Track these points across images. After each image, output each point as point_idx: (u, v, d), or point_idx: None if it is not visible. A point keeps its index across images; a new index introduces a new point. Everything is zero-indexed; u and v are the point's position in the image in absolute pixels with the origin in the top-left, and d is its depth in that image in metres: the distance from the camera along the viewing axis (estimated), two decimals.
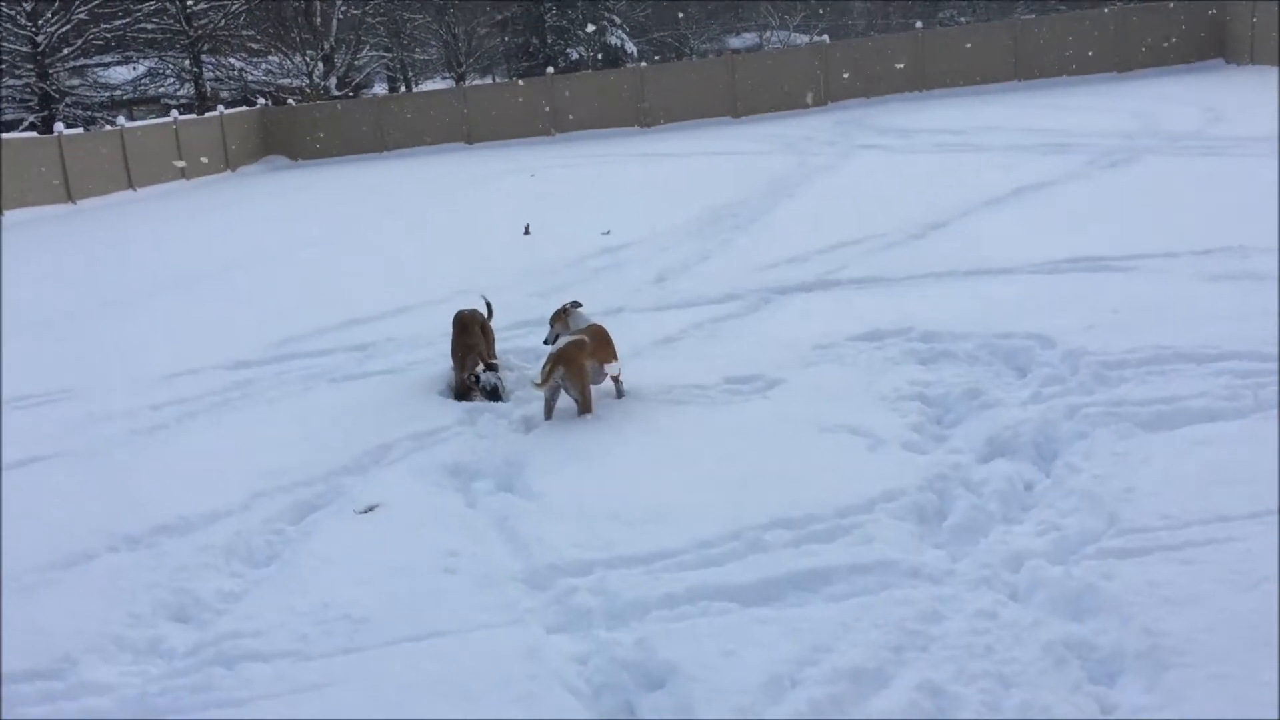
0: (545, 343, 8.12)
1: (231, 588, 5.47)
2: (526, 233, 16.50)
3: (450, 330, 9.02)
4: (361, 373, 9.48)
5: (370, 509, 6.23)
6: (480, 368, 8.35)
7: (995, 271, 10.47)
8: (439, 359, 9.51)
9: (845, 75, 36.46)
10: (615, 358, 7.74)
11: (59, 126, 33.40)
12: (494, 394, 8.26)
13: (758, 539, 5.15)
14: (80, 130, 36.22)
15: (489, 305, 9.50)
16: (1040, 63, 35.35)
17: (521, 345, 9.78)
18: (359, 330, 11.10)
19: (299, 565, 5.61)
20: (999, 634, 4.16)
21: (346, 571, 5.43)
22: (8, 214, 29.71)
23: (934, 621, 4.28)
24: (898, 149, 22.63)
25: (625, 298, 11.30)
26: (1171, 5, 34.09)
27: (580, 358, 7.41)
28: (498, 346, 9.33)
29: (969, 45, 36.11)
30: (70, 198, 32.50)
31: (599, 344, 7.64)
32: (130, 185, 35.09)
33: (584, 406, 7.44)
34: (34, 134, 35.75)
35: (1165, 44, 34.20)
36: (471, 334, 8.89)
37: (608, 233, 15.48)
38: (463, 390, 8.52)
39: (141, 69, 51.10)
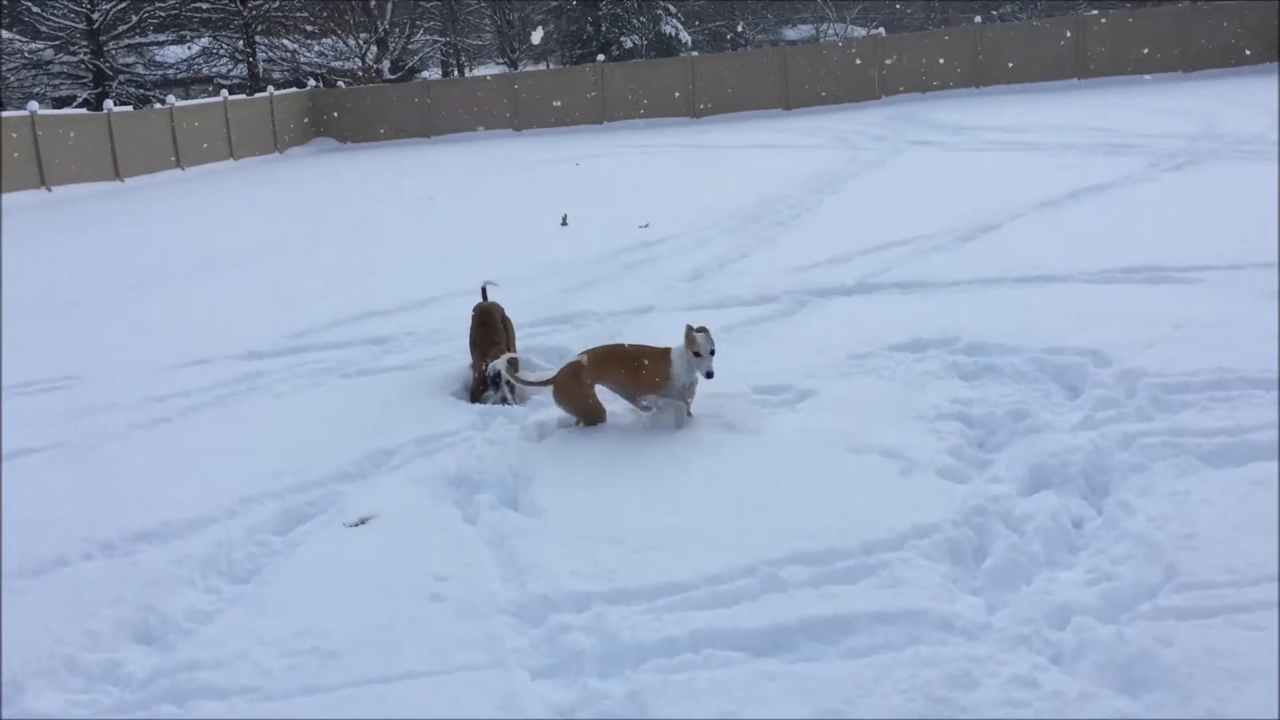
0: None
1: (203, 606, 5.05)
2: (564, 224, 16.08)
3: (471, 332, 8.60)
4: (376, 368, 9.07)
5: (362, 521, 5.80)
6: (502, 361, 7.88)
7: (1048, 279, 9.88)
8: (457, 355, 9.09)
9: (900, 69, 35.71)
10: (644, 379, 7.00)
11: (108, 104, 33.40)
12: (503, 399, 7.82)
13: (773, 576, 4.65)
14: (130, 108, 36.20)
15: (484, 293, 9.03)
16: (1100, 61, 34.43)
17: (546, 343, 9.33)
18: (378, 323, 10.71)
19: (277, 583, 5.19)
20: (1039, 707, 3.64)
21: (326, 592, 5.00)
22: (56, 190, 29.72)
23: (965, 688, 3.76)
24: (950, 146, 21.97)
25: (657, 296, 10.82)
26: (1236, 4, 33.04)
27: (569, 384, 7.05)
28: (520, 344, 8.89)
29: (1027, 41, 35.24)
30: (118, 175, 32.51)
31: (603, 364, 7.10)
32: (178, 164, 35.08)
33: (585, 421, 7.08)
34: (84, 110, 35.73)
35: (1229, 44, 33.17)
36: (493, 328, 8.45)
37: (646, 226, 15.02)
38: (479, 387, 8.07)
39: (196, 48, 51.23)
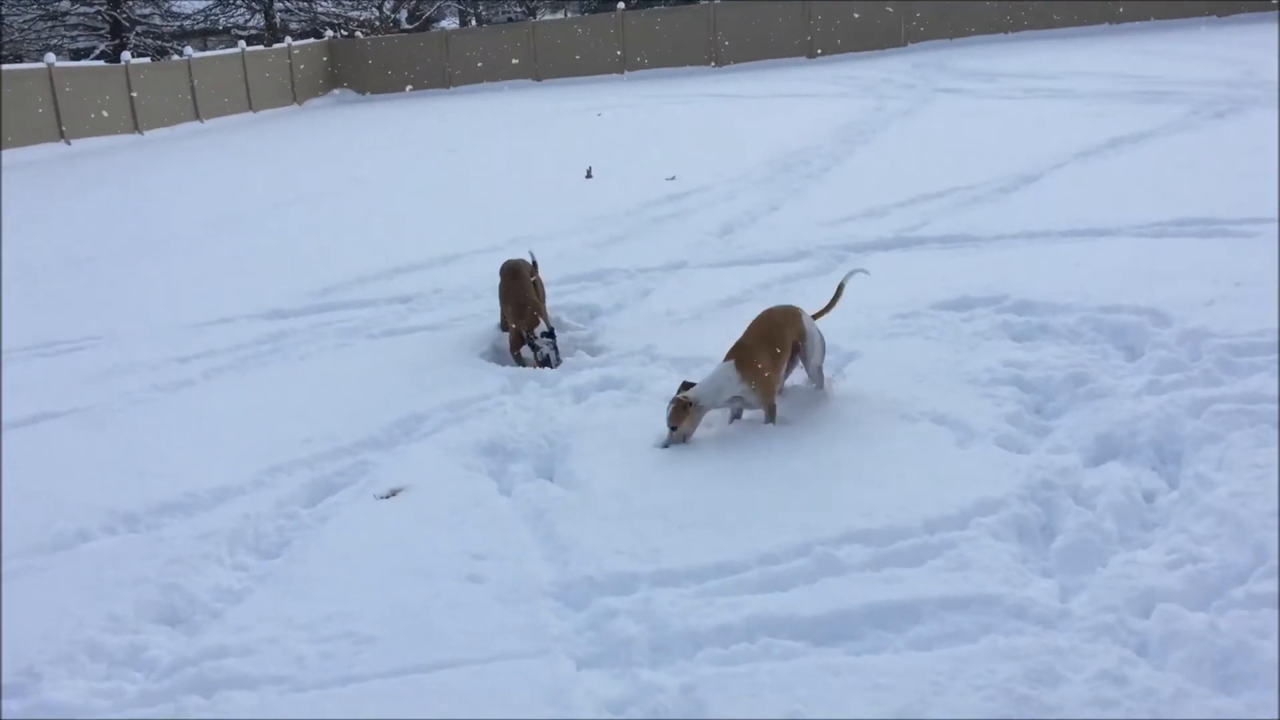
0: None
1: (231, 584, 4.83)
2: (589, 176, 15.75)
3: (498, 281, 8.32)
4: (403, 328, 8.81)
5: (393, 493, 5.56)
6: (541, 329, 7.61)
7: (1095, 233, 9.52)
8: (485, 315, 8.83)
9: (928, 15, 34.98)
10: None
11: (126, 56, 33.05)
12: (545, 361, 7.56)
13: (830, 556, 4.38)
14: (147, 60, 35.86)
15: (534, 260, 8.75)
16: (1129, 4, 33.59)
17: (575, 302, 9.04)
18: (404, 280, 10.44)
19: (308, 560, 4.95)
20: (1131, 707, 3.37)
21: (358, 571, 4.77)
22: (75, 143, 29.49)
23: (1048, 685, 3.49)
24: (981, 94, 21.44)
25: (687, 251, 10.51)
26: None
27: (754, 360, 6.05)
28: (549, 303, 8.61)
29: None
30: (137, 127, 32.24)
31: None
32: (197, 117, 34.78)
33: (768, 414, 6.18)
34: (102, 63, 35.41)
35: None
36: (524, 283, 8.16)
37: (673, 178, 14.68)
38: (517, 339, 7.80)
39: None
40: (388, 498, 5.52)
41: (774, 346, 6.07)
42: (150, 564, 4.94)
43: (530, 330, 7.64)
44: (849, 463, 5.32)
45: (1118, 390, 5.93)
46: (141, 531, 5.38)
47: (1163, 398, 5.68)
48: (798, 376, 6.46)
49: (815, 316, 6.47)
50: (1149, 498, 4.84)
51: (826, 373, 6.46)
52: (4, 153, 26.92)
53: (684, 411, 5.83)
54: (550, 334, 7.63)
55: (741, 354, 6.04)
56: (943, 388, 6.18)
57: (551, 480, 5.65)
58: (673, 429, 5.83)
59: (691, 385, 5.98)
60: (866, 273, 7.14)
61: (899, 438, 5.57)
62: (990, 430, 5.54)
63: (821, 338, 6.35)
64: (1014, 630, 3.82)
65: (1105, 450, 5.30)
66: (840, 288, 6.75)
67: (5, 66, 29.29)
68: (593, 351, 7.74)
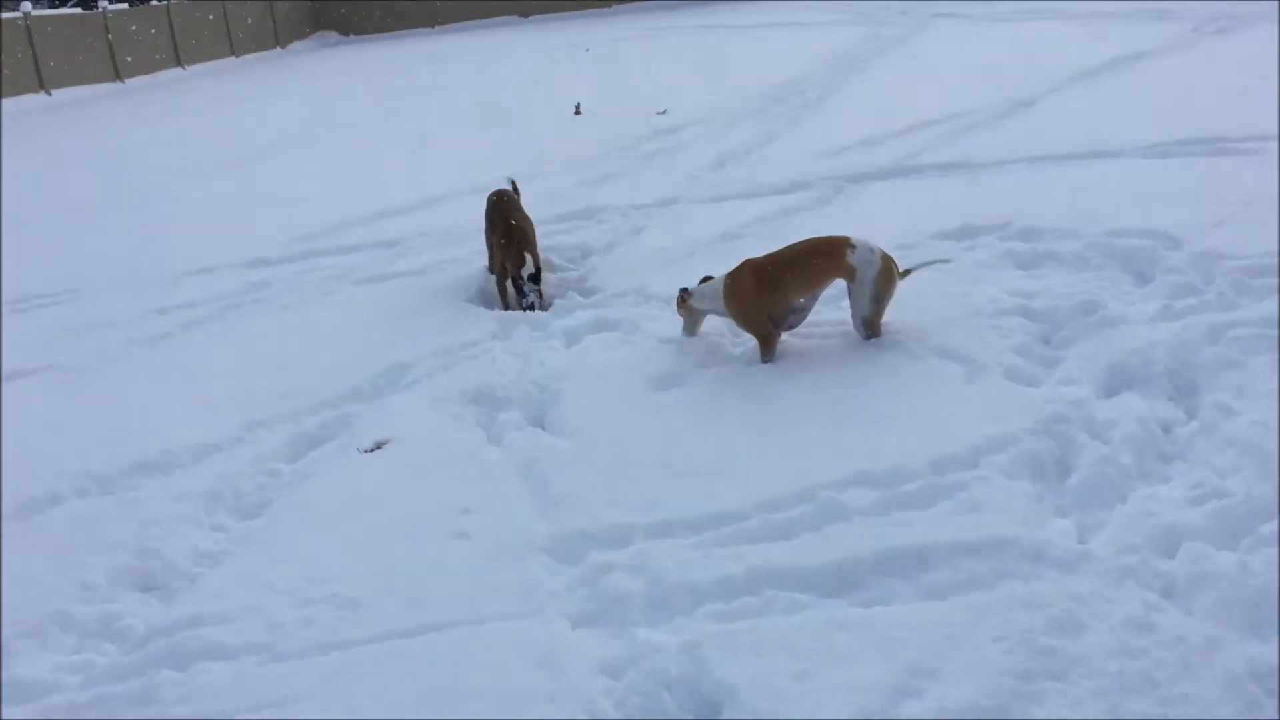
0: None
1: (209, 547, 4.62)
2: (577, 112, 15.40)
3: (487, 217, 8.06)
4: (388, 273, 8.55)
5: (378, 446, 5.34)
6: (527, 269, 7.37)
7: (1098, 155, 9.22)
8: (472, 258, 8.57)
9: None
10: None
11: (104, 3, 32.42)
12: (531, 305, 7.32)
13: (834, 501, 4.17)
14: (125, 6, 35.18)
15: (515, 187, 8.48)
16: None
17: (566, 241, 8.77)
18: (389, 224, 10.15)
19: (289, 519, 4.75)
20: (1160, 655, 3.16)
21: (341, 530, 4.56)
22: (55, 93, 29.01)
23: (1071, 634, 3.28)
24: (976, 17, 21.01)
25: (681, 186, 10.22)
26: None
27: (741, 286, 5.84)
28: (540, 243, 8.34)
29: None
30: (118, 76, 31.72)
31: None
32: (179, 63, 34.23)
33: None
34: (79, 10, 34.71)
35: None
36: (512, 213, 7.89)
37: (663, 112, 14.33)
38: (503, 273, 7.58)
39: None
40: (372, 451, 5.30)
41: (790, 276, 5.69)
42: (125, 528, 4.73)
43: (517, 270, 7.40)
44: (852, 402, 5.08)
45: (1129, 317, 5.68)
46: (116, 493, 5.16)
47: (1177, 324, 5.45)
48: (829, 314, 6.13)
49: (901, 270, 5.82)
50: (1167, 429, 4.61)
51: (890, 323, 5.85)
52: None
53: (682, 302, 5.94)
54: (536, 276, 7.39)
55: (738, 276, 5.79)
56: (947, 320, 5.92)
57: (543, 429, 5.42)
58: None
59: (681, 293, 6.00)
60: (949, 261, 6.39)
61: (903, 374, 5.32)
62: (997, 363, 5.31)
63: (883, 289, 5.67)
64: (1032, 575, 3.60)
65: (1118, 381, 5.06)
66: (919, 266, 6.02)
67: None
68: (585, 292, 7.49)
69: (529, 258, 7.45)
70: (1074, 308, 5.89)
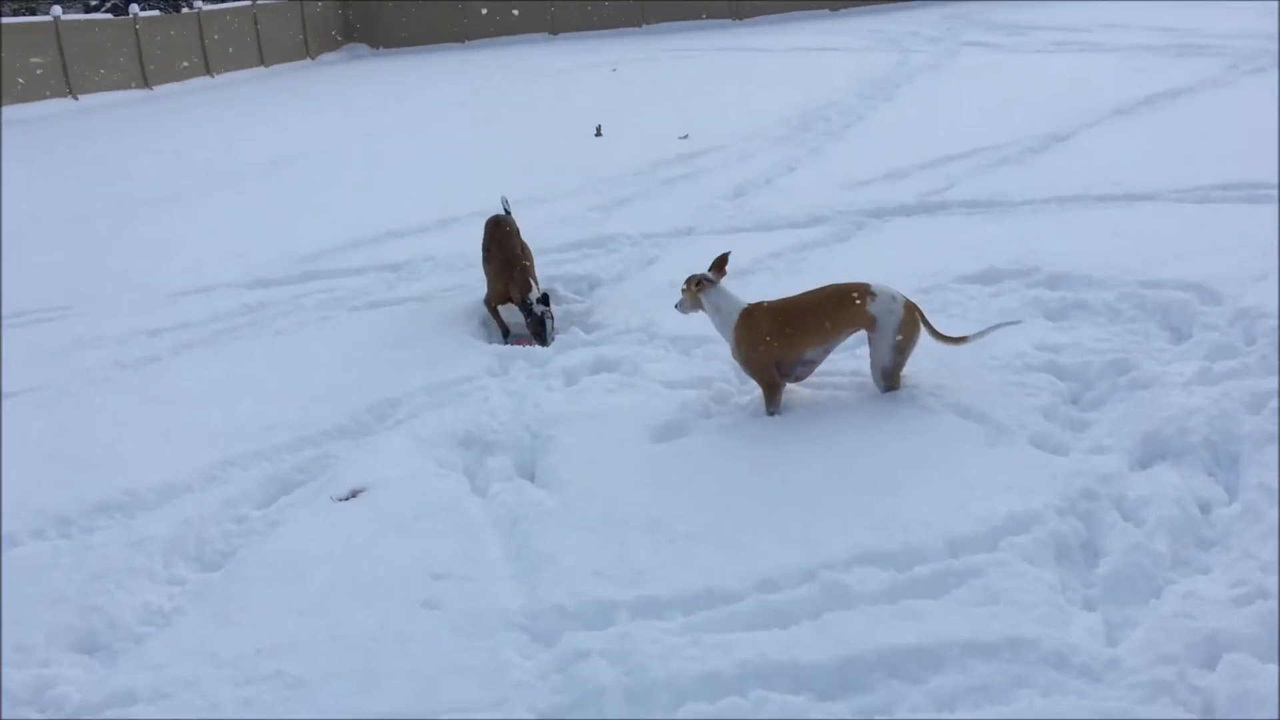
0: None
1: (161, 603, 4.28)
2: (598, 134, 15.09)
3: (484, 245, 7.76)
4: (389, 299, 8.24)
5: (353, 494, 5.00)
6: (536, 294, 7.07)
7: (1133, 198, 8.84)
8: (477, 285, 8.23)
9: None
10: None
11: (134, 9, 32.37)
12: (539, 331, 7.01)
13: (838, 584, 3.79)
14: (157, 13, 35.15)
15: (506, 207, 8.15)
16: None
17: (574, 271, 8.44)
18: (396, 245, 9.86)
19: (250, 574, 4.40)
20: None
21: (302, 590, 4.21)
22: (83, 98, 28.93)
23: None
24: (1010, 48, 20.58)
25: (697, 215, 9.88)
26: None
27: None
28: (542, 273, 8.02)
29: None
30: (146, 83, 31.63)
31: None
32: (208, 71, 34.13)
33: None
34: (110, 16, 34.70)
35: None
36: (515, 240, 7.60)
37: (685, 137, 14.00)
38: (499, 299, 7.32)
39: None
40: (347, 499, 4.96)
41: (805, 326, 5.29)
42: (73, 578, 4.39)
43: (524, 295, 7.10)
44: (864, 465, 4.70)
45: (1164, 379, 5.30)
46: (73, 536, 4.84)
47: (1216, 389, 5.06)
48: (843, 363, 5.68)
49: (938, 333, 5.41)
50: (1205, 509, 4.22)
51: (908, 376, 5.45)
52: (8, 109, 26.40)
53: (692, 290, 5.54)
54: (545, 298, 7.09)
55: (754, 316, 5.39)
56: (969, 374, 5.54)
57: (531, 480, 5.07)
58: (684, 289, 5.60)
59: (703, 280, 5.49)
60: (1019, 323, 5.86)
61: (920, 434, 4.94)
62: (1022, 426, 4.93)
63: (905, 339, 5.28)
64: (1053, 686, 3.21)
65: (1153, 451, 4.68)
66: (986, 331, 5.51)
67: (10, 20, 28.69)
68: (588, 328, 7.15)
69: (534, 284, 7.16)
70: (1105, 366, 5.50)
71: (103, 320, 8.29)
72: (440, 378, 6.35)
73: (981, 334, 5.45)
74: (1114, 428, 4.91)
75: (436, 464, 5.23)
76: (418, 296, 8.22)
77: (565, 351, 6.66)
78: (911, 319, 5.29)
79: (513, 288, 7.25)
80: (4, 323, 8.49)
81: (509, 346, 6.98)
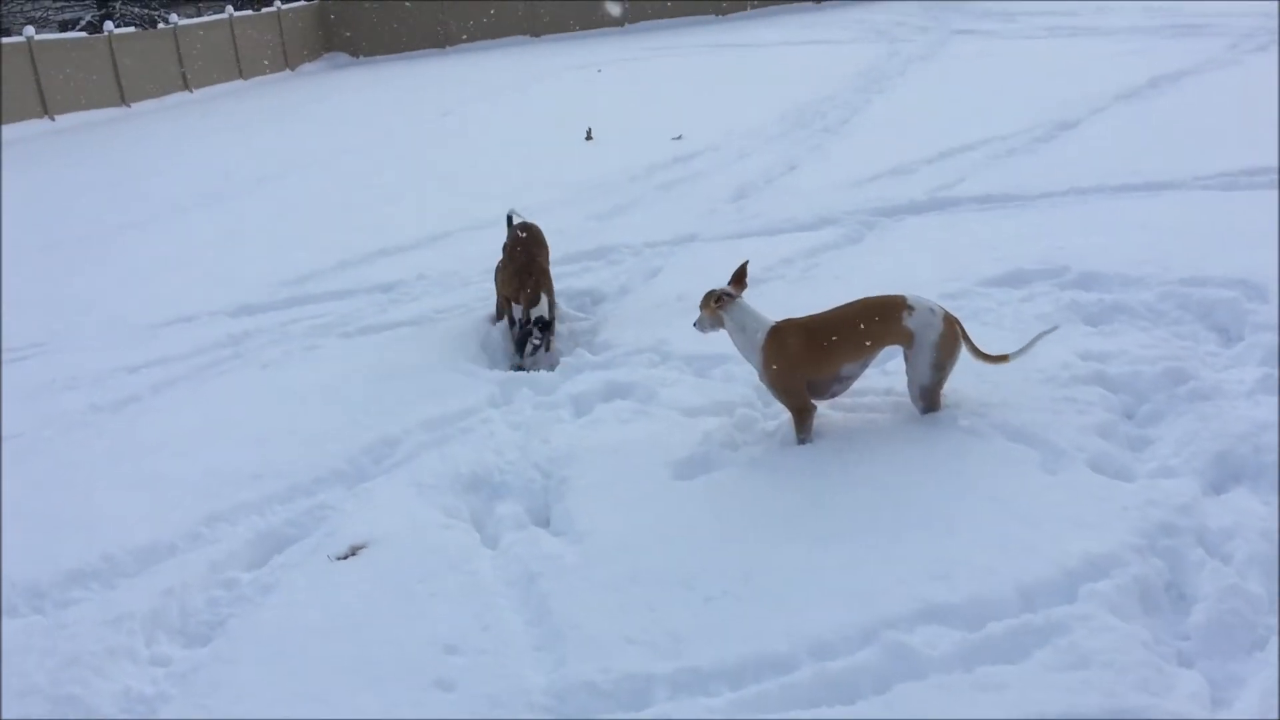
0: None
1: (142, 689, 3.84)
2: (588, 138, 14.67)
3: (506, 250, 7.41)
4: (381, 323, 7.80)
5: (352, 552, 4.56)
6: (538, 312, 6.68)
7: (1154, 187, 8.45)
8: (475, 305, 7.84)
9: None
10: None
11: (109, 25, 31.85)
12: (520, 346, 6.63)
13: (903, 647, 3.37)
14: (132, 29, 34.61)
15: (510, 220, 7.77)
16: None
17: (575, 286, 8.02)
18: (386, 264, 9.42)
19: (240, 651, 3.97)
20: None
21: (300, 670, 3.78)
22: (59, 118, 28.41)
23: None
24: (1002, 34, 20.20)
25: (699, 221, 9.47)
26: None
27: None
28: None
29: None
30: (124, 100, 31.12)
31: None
32: (186, 86, 33.63)
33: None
34: (84, 34, 34.17)
35: None
36: (539, 248, 7.26)
37: (679, 138, 13.58)
38: (506, 306, 7.05)
39: None
40: (345, 558, 4.52)
41: (837, 342, 4.87)
42: (46, 665, 3.95)
43: (528, 309, 6.72)
44: (912, 499, 4.28)
45: (1224, 389, 4.90)
46: (47, 611, 4.40)
47: None
48: (876, 380, 5.21)
49: (978, 351, 4.96)
50: None
51: (947, 394, 5.02)
52: None
53: (710, 308, 5.07)
54: (547, 324, 6.69)
55: (782, 335, 4.95)
56: (1013, 389, 5.13)
57: (547, 526, 4.65)
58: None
59: (723, 296, 5.03)
60: (1055, 329, 5.22)
61: (970, 461, 4.52)
62: (1079, 449, 4.51)
63: (945, 356, 4.86)
64: None
65: (1226, 472, 4.28)
66: (1026, 347, 5.02)
67: None
68: (595, 349, 6.71)
69: (545, 299, 6.75)
70: (1158, 376, 5.09)
71: (78, 357, 7.84)
72: (440, 411, 5.92)
73: (1023, 350, 5.03)
74: (1179, 446, 4.50)
75: (442, 512, 4.80)
76: (412, 319, 7.78)
77: (573, 376, 6.23)
78: (952, 334, 4.87)
79: (523, 294, 6.86)
80: None
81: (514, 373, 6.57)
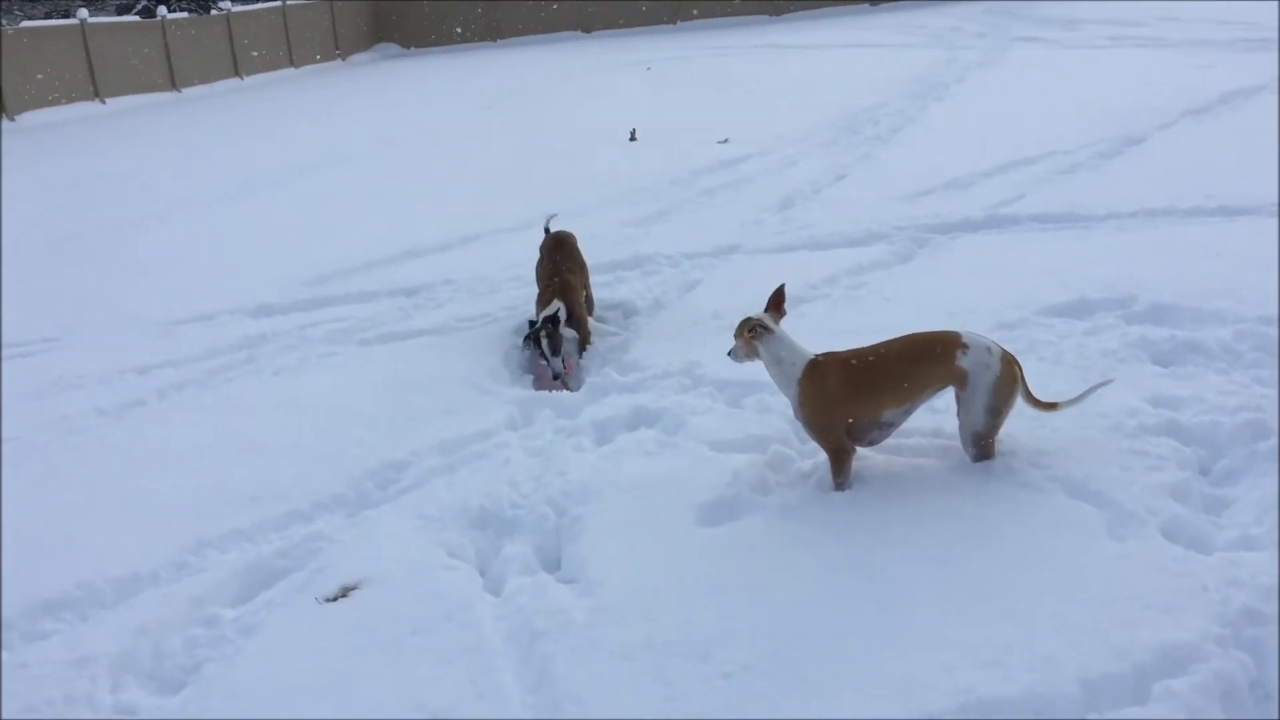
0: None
1: None
2: (632, 138, 14.28)
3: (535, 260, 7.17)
4: (402, 331, 7.45)
5: (343, 593, 4.18)
6: (553, 308, 6.33)
7: (1229, 212, 7.92)
8: (501, 314, 7.47)
9: None
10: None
11: (162, 10, 31.83)
12: (550, 344, 6.28)
13: None
14: (185, 14, 34.59)
15: (547, 228, 7.45)
16: None
17: (608, 298, 7.62)
18: (413, 267, 9.07)
19: (208, 708, 3.59)
20: None
21: None
22: (110, 102, 28.40)
23: None
24: (1064, 43, 19.57)
25: (741, 231, 9.04)
26: None
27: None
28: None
29: None
30: (174, 85, 31.11)
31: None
32: (237, 73, 33.60)
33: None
34: (137, 18, 34.20)
35: None
36: (571, 264, 6.99)
37: (725, 141, 13.15)
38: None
39: None
40: (335, 600, 4.14)
41: (884, 382, 4.44)
42: (10, 707, 3.60)
43: (540, 310, 6.43)
44: (960, 566, 3.83)
45: None
46: (14, 646, 4.05)
47: None
48: (923, 420, 4.70)
49: (1031, 396, 4.53)
50: None
51: (1002, 440, 4.57)
52: (33, 114, 25.94)
53: (745, 338, 4.63)
54: (555, 345, 6.30)
55: (823, 370, 4.51)
56: (1074, 438, 4.66)
57: (556, 569, 4.25)
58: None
59: (757, 326, 4.58)
60: (1110, 381, 4.75)
61: (1026, 522, 4.06)
62: (1150, 512, 4.04)
63: (1002, 401, 4.41)
64: None
65: None
66: (1080, 397, 4.58)
67: (37, 24, 28.25)
68: (623, 369, 6.30)
69: (559, 304, 6.38)
70: (1238, 428, 4.61)
71: (88, 355, 7.55)
72: (455, 433, 5.54)
73: (1075, 401, 4.56)
74: (1260, 512, 4.03)
75: (444, 551, 4.41)
76: (434, 328, 7.42)
77: (598, 399, 5.83)
78: (1010, 376, 4.41)
79: (537, 305, 6.54)
80: None
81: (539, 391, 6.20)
